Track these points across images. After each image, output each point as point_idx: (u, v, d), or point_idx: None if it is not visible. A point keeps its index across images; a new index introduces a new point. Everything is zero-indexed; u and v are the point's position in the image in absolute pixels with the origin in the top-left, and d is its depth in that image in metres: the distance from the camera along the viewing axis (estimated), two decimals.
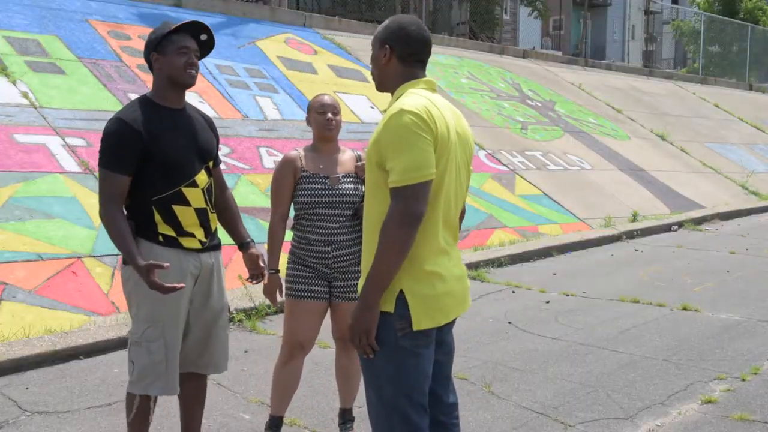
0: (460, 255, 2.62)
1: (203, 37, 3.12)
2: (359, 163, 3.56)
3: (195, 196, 3.07)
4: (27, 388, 4.34)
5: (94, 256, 5.96)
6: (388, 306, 2.40)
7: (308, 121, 3.62)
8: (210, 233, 3.16)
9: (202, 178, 3.10)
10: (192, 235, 3.06)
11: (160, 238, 3.01)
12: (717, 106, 20.19)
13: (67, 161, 7.06)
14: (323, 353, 4.95)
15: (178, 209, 3.02)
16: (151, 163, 2.97)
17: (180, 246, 3.03)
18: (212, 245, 3.17)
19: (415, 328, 2.40)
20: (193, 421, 3.34)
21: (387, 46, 2.54)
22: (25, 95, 7.83)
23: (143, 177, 3.00)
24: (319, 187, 3.49)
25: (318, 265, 3.50)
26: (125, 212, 3.04)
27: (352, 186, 3.53)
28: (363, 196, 3.47)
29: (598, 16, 37.23)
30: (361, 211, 3.39)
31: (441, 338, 2.59)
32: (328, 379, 4.51)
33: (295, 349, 3.56)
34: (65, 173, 6.87)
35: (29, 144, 7.11)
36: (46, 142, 7.24)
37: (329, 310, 3.61)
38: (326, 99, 3.60)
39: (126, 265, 3.03)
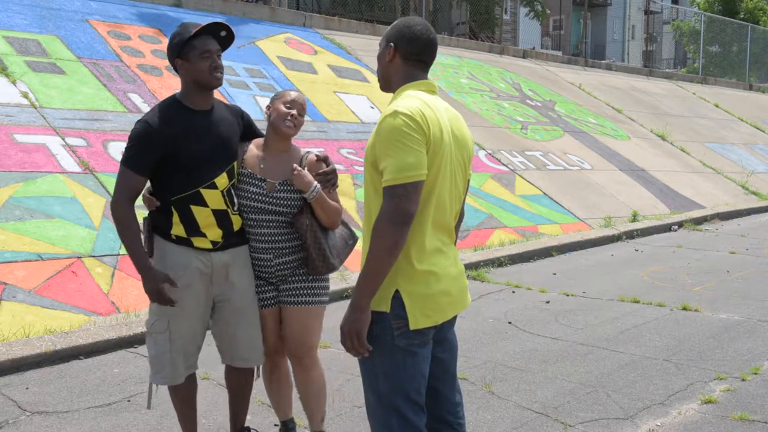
0: (457, 254, 2.63)
1: (223, 33, 3.21)
2: (296, 170, 3.19)
3: (213, 198, 3.14)
4: (27, 388, 4.34)
5: (94, 256, 5.96)
6: (384, 306, 2.41)
7: (268, 110, 3.32)
8: (230, 233, 3.22)
9: (222, 180, 3.16)
10: (204, 236, 3.15)
11: (173, 237, 3.16)
12: (717, 106, 20.19)
13: (67, 161, 7.06)
14: (323, 353, 4.94)
15: (195, 209, 3.13)
16: (172, 165, 3.08)
17: (190, 245, 3.15)
18: (229, 244, 3.22)
19: (412, 327, 2.41)
20: (238, 409, 3.50)
21: (391, 44, 2.56)
22: (25, 95, 7.83)
23: (164, 178, 3.12)
24: (254, 190, 3.25)
25: (263, 274, 3.34)
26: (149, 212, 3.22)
27: (290, 195, 3.24)
28: (301, 206, 3.25)
29: (598, 16, 37.22)
30: (299, 221, 3.20)
31: (442, 336, 2.60)
32: (328, 379, 4.49)
33: (272, 357, 3.48)
34: (65, 173, 6.87)
35: (29, 144, 7.11)
36: (46, 142, 7.24)
37: (281, 319, 3.42)
38: (295, 95, 3.34)
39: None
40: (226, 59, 10.58)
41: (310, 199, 3.21)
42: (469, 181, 2.68)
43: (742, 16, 30.78)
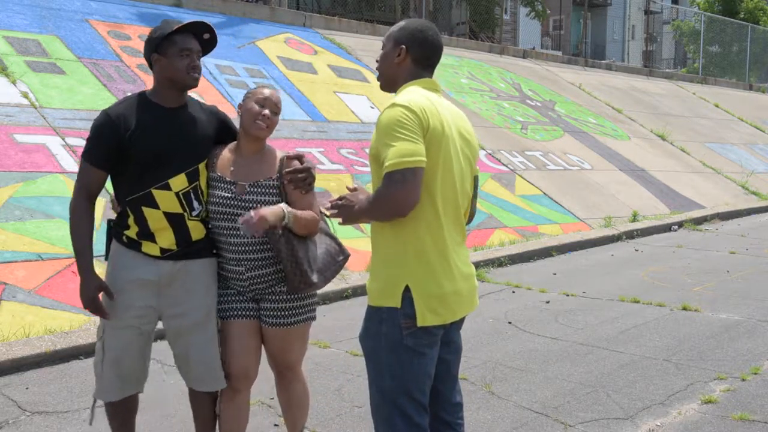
0: (468, 254, 2.63)
1: (206, 35, 3.03)
2: (286, 169, 2.96)
3: (166, 200, 2.93)
4: (27, 388, 4.34)
5: (94, 256, 5.95)
6: (394, 301, 2.42)
7: (239, 108, 3.07)
8: (187, 242, 2.99)
9: (178, 182, 2.94)
10: (154, 241, 2.96)
11: (125, 239, 3.02)
12: (717, 106, 20.19)
13: (67, 161, 7.06)
14: (323, 353, 4.95)
15: (146, 211, 2.94)
16: (128, 162, 2.91)
17: (139, 249, 2.98)
18: (185, 254, 2.98)
19: (419, 324, 2.42)
20: None
21: (403, 46, 2.57)
22: (25, 95, 7.83)
23: (122, 176, 2.97)
24: (223, 194, 3.00)
25: (237, 287, 3.09)
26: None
27: (260, 197, 2.98)
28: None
29: (598, 16, 37.23)
30: (271, 231, 2.90)
31: (449, 338, 2.61)
32: (328, 379, 4.51)
33: (236, 381, 3.12)
34: (65, 173, 6.87)
35: (29, 144, 7.11)
36: (46, 142, 7.24)
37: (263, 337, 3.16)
38: (269, 92, 3.06)
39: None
40: (227, 59, 10.66)
41: (290, 225, 2.90)
42: (477, 178, 2.67)
43: (742, 16, 30.78)
